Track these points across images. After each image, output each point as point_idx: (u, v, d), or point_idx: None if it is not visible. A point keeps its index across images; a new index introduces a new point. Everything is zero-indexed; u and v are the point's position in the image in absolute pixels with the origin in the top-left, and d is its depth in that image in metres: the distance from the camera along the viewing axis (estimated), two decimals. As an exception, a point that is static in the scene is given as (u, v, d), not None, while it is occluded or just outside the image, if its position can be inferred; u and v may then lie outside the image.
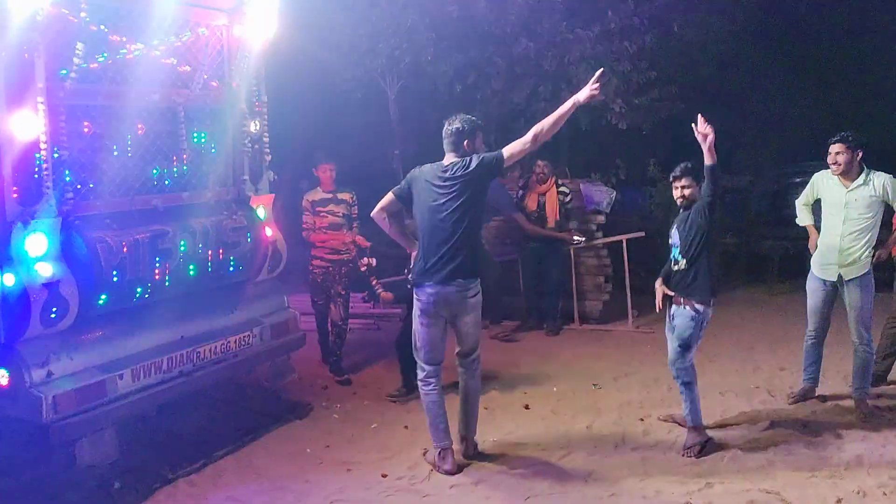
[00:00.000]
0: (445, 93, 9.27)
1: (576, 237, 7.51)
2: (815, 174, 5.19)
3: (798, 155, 10.07)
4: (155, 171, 4.53)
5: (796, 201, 5.41)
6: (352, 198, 6.15)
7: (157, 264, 4.32)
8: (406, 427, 5.02)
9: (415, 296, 4.36)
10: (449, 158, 4.32)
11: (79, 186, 4.08)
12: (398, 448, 4.70)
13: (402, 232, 4.53)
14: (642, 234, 7.83)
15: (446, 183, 4.24)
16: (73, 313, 3.93)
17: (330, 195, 6.10)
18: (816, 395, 5.32)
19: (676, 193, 4.61)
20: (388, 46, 8.82)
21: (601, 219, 8.06)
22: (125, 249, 4.10)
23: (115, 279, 4.09)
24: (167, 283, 4.42)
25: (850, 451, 4.46)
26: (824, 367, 5.36)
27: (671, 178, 4.65)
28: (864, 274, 4.93)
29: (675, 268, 4.62)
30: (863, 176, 4.90)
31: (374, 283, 6.20)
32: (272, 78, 5.35)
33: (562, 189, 7.44)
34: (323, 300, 6.20)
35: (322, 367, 6.31)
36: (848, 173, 4.91)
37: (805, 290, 5.29)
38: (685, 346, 4.50)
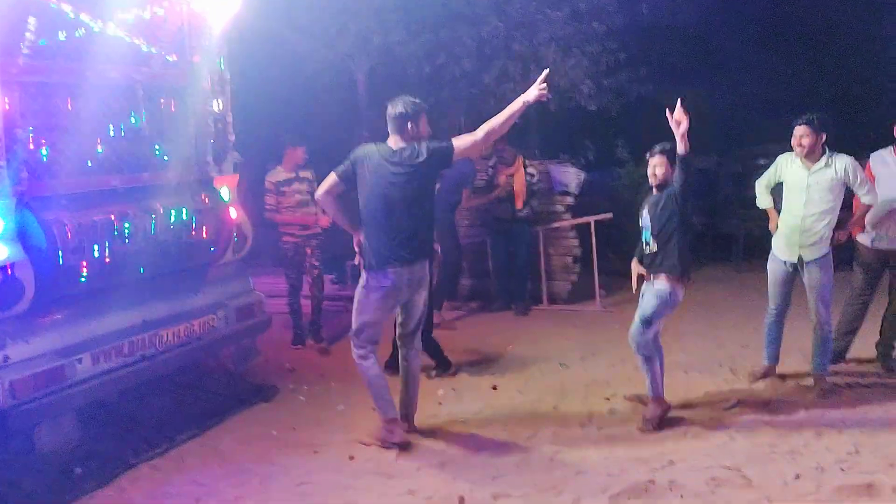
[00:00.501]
0: (415, 74, 9.20)
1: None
2: (780, 156, 5.22)
3: (763, 136, 10.18)
4: (113, 151, 4.43)
5: (757, 182, 5.46)
6: (312, 175, 6.19)
7: (117, 246, 4.24)
8: (374, 409, 4.99)
9: (370, 279, 4.31)
10: (394, 141, 4.29)
11: (34, 166, 3.97)
12: (365, 430, 4.68)
13: (346, 214, 4.51)
14: (610, 215, 7.86)
15: (397, 168, 4.23)
16: (29, 297, 3.84)
17: (293, 174, 6.15)
18: (778, 372, 5.42)
19: (649, 171, 4.61)
20: (357, 27, 8.72)
21: (570, 200, 8.08)
22: (83, 231, 4.02)
23: (72, 262, 4.00)
24: (127, 266, 4.34)
25: (809, 427, 4.54)
26: (785, 345, 5.45)
27: (647, 155, 4.65)
28: (824, 255, 5.00)
29: (647, 250, 4.64)
30: (825, 158, 4.94)
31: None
32: (236, 57, 5.27)
33: (529, 170, 7.49)
34: (296, 275, 6.32)
35: (290, 350, 6.28)
36: (811, 155, 4.95)
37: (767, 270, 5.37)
38: (647, 322, 4.54)
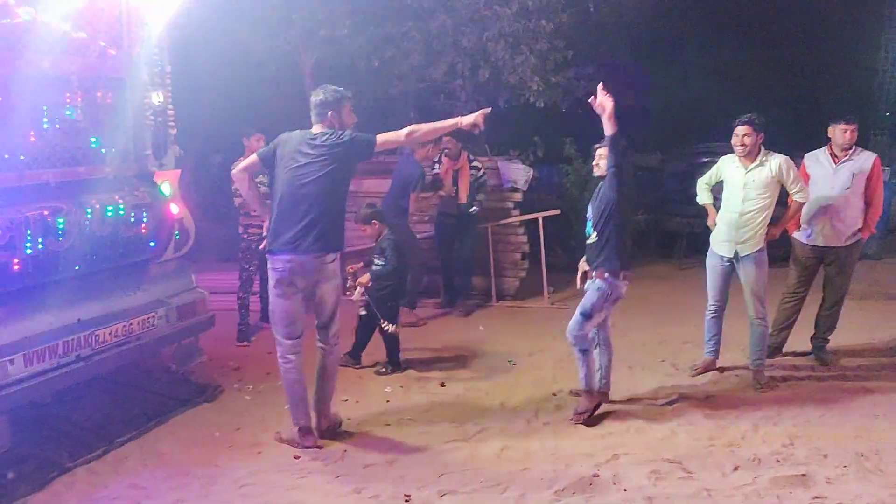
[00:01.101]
0: (363, 67, 9.12)
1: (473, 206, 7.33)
2: (723, 157, 5.35)
3: (707, 135, 10.43)
4: (47, 144, 4.25)
5: (699, 180, 5.59)
6: None
7: (51, 243, 4.09)
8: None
9: (270, 264, 4.26)
10: (317, 128, 4.26)
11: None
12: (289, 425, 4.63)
13: (259, 195, 4.59)
14: (558, 211, 7.95)
15: (314, 151, 4.18)
16: (-44, 296, 3.68)
17: None
18: (717, 367, 5.56)
19: (594, 162, 4.70)
20: (302, 18, 8.58)
21: (518, 196, 8.13)
22: (14, 228, 3.86)
23: (3, 259, 3.84)
24: (62, 263, 4.18)
25: (747, 420, 4.68)
26: (725, 339, 5.59)
27: (594, 147, 4.70)
28: (758, 250, 5.15)
29: (588, 241, 4.70)
30: (760, 157, 5.09)
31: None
32: (177, 48, 5.12)
33: (474, 164, 7.37)
34: (254, 267, 6.24)
35: (235, 348, 6.17)
36: (750, 154, 5.10)
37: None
38: (586, 315, 4.57)
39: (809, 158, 5.63)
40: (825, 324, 5.79)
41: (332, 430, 4.51)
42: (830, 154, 5.50)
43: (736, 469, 4.04)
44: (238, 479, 3.98)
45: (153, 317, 4.71)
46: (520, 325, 7.05)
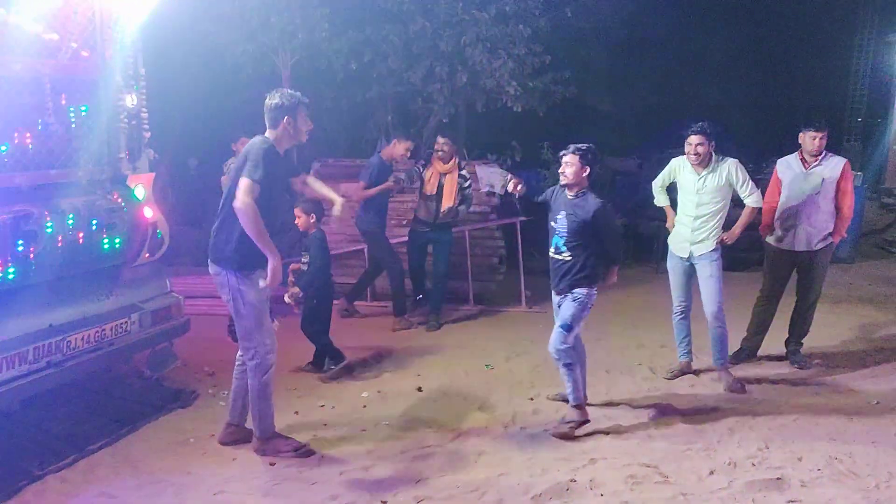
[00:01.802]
0: (341, 70, 9.09)
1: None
2: (673, 159, 5.50)
3: (682, 140, 10.52)
4: (17, 148, 4.18)
5: (653, 183, 5.74)
6: None
7: (21, 247, 4.01)
8: (296, 413, 4.92)
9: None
10: (270, 135, 4.12)
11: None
12: (287, 434, 4.59)
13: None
14: (534, 217, 7.96)
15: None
16: (-78, 301, 3.59)
17: None
18: (693, 369, 5.60)
19: (560, 169, 4.61)
20: (281, 21, 8.54)
21: (495, 201, 8.14)
22: (-17, 231, 3.78)
23: (-29, 264, 3.76)
24: (32, 268, 4.11)
25: (723, 424, 4.71)
26: (698, 342, 5.63)
27: (561, 153, 4.62)
28: (712, 250, 5.29)
29: (558, 257, 4.61)
30: (713, 163, 5.24)
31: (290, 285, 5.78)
32: (152, 50, 5.05)
33: (462, 173, 6.96)
34: None
35: (210, 353, 6.09)
36: (703, 162, 5.24)
37: None
38: (567, 327, 4.52)
39: (781, 164, 5.70)
40: (799, 328, 5.86)
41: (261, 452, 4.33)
42: (801, 159, 5.58)
43: (712, 473, 4.07)
44: (212, 487, 3.93)
45: (126, 322, 4.64)
46: (497, 329, 7.05)
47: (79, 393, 4.79)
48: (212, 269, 4.17)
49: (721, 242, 5.29)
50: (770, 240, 5.73)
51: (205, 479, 4.02)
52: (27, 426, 4.42)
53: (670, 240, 5.54)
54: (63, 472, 4.05)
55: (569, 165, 4.51)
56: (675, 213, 5.51)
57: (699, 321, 5.56)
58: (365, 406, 5.09)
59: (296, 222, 5.61)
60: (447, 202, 6.86)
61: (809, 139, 5.49)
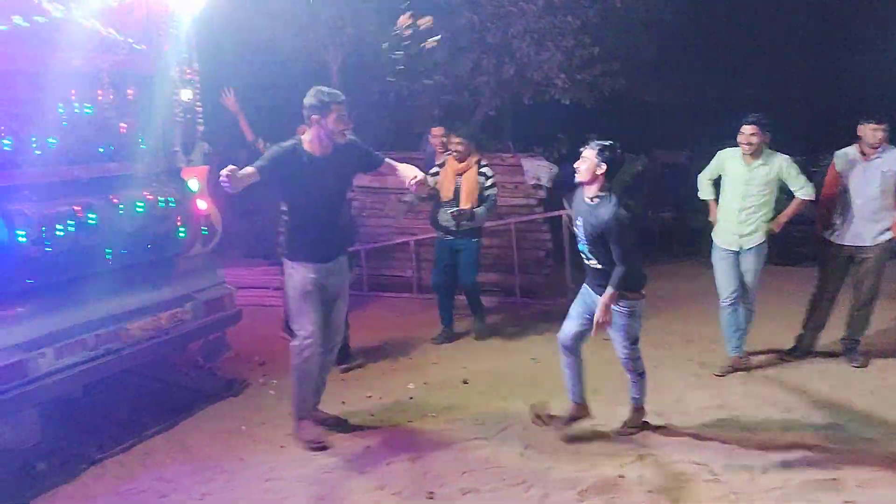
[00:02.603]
0: (388, 64, 9.12)
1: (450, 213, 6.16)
2: (720, 151, 5.52)
3: (735, 131, 10.31)
4: (78, 141, 4.31)
5: (699, 176, 5.72)
6: None
7: (82, 238, 4.14)
8: (343, 402, 4.98)
9: None
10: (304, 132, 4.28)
11: (-5, 156, 3.86)
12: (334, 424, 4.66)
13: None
14: (582, 209, 7.89)
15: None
16: (-11, 290, 3.74)
17: None
18: (744, 365, 5.49)
19: (575, 164, 4.17)
20: (330, 15, 8.60)
21: (542, 193, 8.09)
22: (46, 222, 3.92)
23: (34, 253, 3.90)
24: (93, 258, 4.24)
25: (776, 423, 4.60)
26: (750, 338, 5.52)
27: (580, 150, 4.26)
28: (759, 244, 5.34)
29: (588, 263, 4.29)
30: (764, 156, 5.26)
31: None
32: (206, 45, 5.16)
33: (483, 171, 6.23)
34: None
35: (260, 343, 6.21)
36: (755, 153, 5.26)
37: None
38: (633, 341, 4.31)
39: (839, 156, 5.54)
40: (856, 325, 5.68)
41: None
42: (860, 152, 5.41)
43: (764, 472, 3.98)
44: (262, 474, 4.02)
45: (181, 311, 4.76)
46: (543, 323, 7.00)
47: (136, 380, 4.93)
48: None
49: (769, 232, 5.35)
50: (826, 234, 5.58)
51: (255, 465, 4.11)
52: (88, 411, 4.57)
53: (715, 233, 5.55)
54: (121, 457, 4.20)
55: (584, 161, 4.08)
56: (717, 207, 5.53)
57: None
58: (411, 397, 5.13)
59: None
60: (464, 205, 6.14)
61: (870, 131, 5.33)
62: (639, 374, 4.41)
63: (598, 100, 9.56)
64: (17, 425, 3.87)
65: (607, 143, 4.09)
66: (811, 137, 10.16)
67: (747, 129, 5.21)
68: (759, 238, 5.32)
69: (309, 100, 4.15)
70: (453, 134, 6.31)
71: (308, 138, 4.22)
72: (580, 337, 4.43)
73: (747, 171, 5.28)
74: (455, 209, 6.11)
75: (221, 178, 3.76)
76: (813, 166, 9.83)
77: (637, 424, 4.49)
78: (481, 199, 6.17)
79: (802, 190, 5.30)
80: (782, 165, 5.25)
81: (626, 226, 4.02)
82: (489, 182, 6.23)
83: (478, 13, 8.75)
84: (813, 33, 11.88)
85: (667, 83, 11.49)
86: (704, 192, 5.68)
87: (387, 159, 4.52)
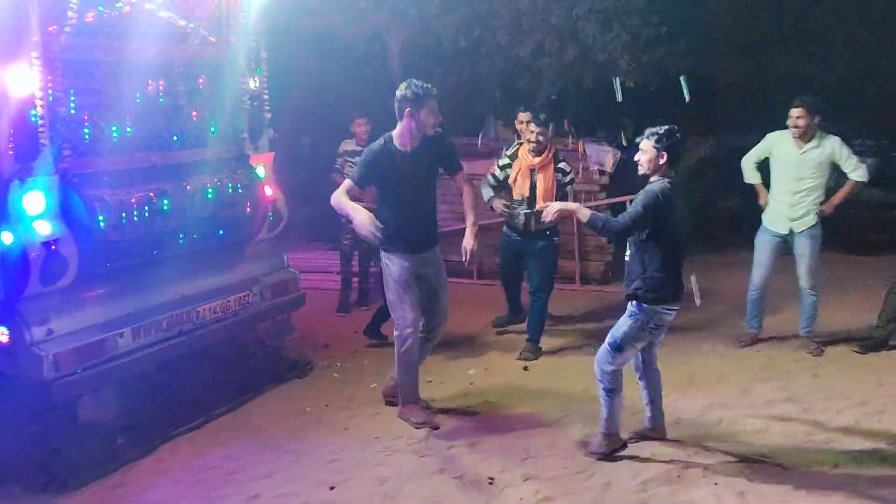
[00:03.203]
0: (450, 47, 9.10)
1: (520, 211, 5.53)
2: (769, 134, 5.49)
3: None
4: (153, 129, 4.47)
5: (744, 159, 5.69)
6: None
7: (156, 223, 4.30)
8: (380, 387, 5.04)
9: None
10: (396, 126, 4.30)
11: (76, 144, 4.03)
12: (397, 408, 4.73)
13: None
14: (646, 194, 7.74)
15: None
16: (72, 272, 3.92)
17: (360, 147, 6.20)
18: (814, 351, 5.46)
19: (636, 157, 3.93)
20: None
21: (605, 179, 7.98)
22: (123, 208, 4.08)
23: (113, 238, 4.07)
24: (167, 242, 4.40)
25: (847, 416, 4.46)
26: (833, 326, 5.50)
27: (636, 141, 4.08)
28: (813, 226, 5.31)
29: (626, 253, 4.01)
30: (816, 139, 5.24)
31: None
32: (271, 33, 5.25)
33: (561, 167, 5.51)
34: (350, 241, 6.45)
35: (325, 325, 6.33)
36: (804, 135, 5.22)
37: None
38: (615, 346, 3.84)
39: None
40: (935, 317, 5.45)
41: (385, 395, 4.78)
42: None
43: (835, 466, 3.88)
44: (326, 455, 4.12)
45: (249, 294, 4.90)
46: (604, 309, 6.93)
47: (206, 360, 5.10)
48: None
49: (821, 214, 5.31)
50: (909, 222, 5.37)
51: (319, 446, 4.22)
52: (161, 390, 4.76)
53: (765, 216, 5.52)
54: (192, 434, 4.37)
55: (643, 153, 3.82)
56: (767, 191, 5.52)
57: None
58: (472, 383, 5.16)
59: None
60: (540, 205, 5.11)
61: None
62: (605, 390, 3.92)
63: (663, 82, 9.33)
64: (98, 401, 4.08)
65: (663, 129, 3.78)
66: (892, 119, 9.71)
67: (795, 112, 5.20)
68: (811, 220, 5.28)
69: (402, 92, 4.18)
70: (532, 122, 5.43)
71: (398, 132, 4.27)
72: (644, 352, 4.06)
73: (798, 154, 5.25)
74: (528, 210, 5.41)
75: (372, 234, 4.02)
76: (893, 150, 9.43)
77: (600, 452, 3.98)
78: (559, 198, 5.34)
79: (856, 172, 5.26)
80: (835, 147, 5.22)
81: (650, 199, 3.69)
82: (568, 178, 5.55)
83: (542, -6, 8.62)
84: (893, 9, 11.26)
85: (740, 62, 11.09)
86: (750, 175, 5.63)
87: (464, 186, 4.58)
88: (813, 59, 10.53)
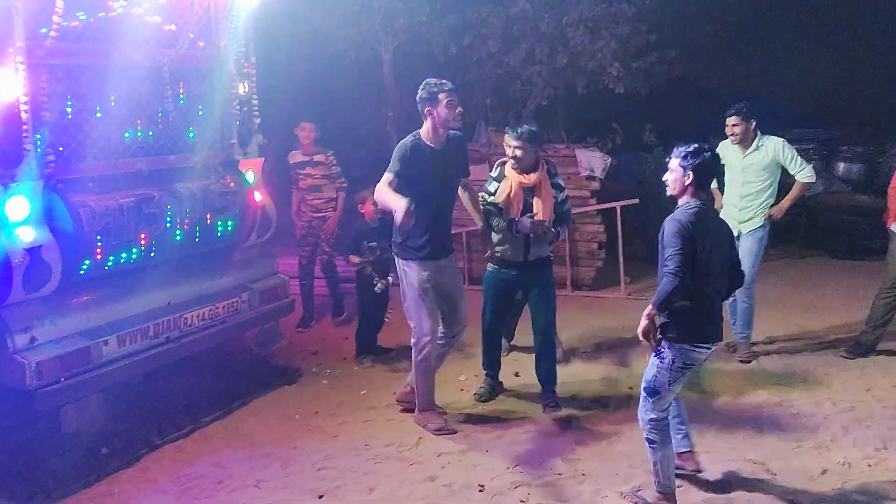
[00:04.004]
0: (441, 54, 9.11)
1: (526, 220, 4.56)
2: (721, 143, 5.49)
3: (795, 121, 9.97)
4: (140, 134, 4.43)
5: None
6: (327, 157, 6.19)
7: (143, 229, 4.26)
8: (394, 393, 5.01)
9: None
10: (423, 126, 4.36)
11: (61, 149, 3.99)
12: (386, 414, 4.70)
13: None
14: (636, 200, 7.76)
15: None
16: (56, 279, 3.87)
17: (307, 158, 6.18)
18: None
19: (663, 178, 3.62)
20: (382, 6, 8.63)
21: (595, 185, 7.98)
22: (109, 214, 4.04)
23: (98, 244, 4.03)
24: (153, 248, 4.36)
25: (837, 422, 4.46)
26: (821, 338, 5.37)
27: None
28: (758, 228, 5.39)
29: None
30: (755, 142, 5.35)
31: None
32: (261, 38, 5.23)
33: (556, 182, 4.73)
34: (308, 256, 6.36)
35: (313, 332, 6.30)
36: (744, 141, 5.34)
37: None
38: (648, 391, 3.52)
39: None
40: (924, 322, 5.47)
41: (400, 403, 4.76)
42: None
43: (824, 472, 3.87)
44: (316, 462, 4.09)
45: (237, 301, 4.86)
46: (595, 315, 6.93)
47: (194, 367, 5.05)
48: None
49: (770, 218, 5.39)
50: (895, 227, 5.36)
51: (309, 454, 4.18)
52: (147, 397, 4.70)
53: None
54: (179, 442, 4.32)
55: (670, 172, 3.52)
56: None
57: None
58: (462, 389, 5.13)
59: (361, 209, 5.60)
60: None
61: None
62: (647, 440, 3.54)
63: (652, 89, 9.36)
64: (82, 410, 4.02)
65: (691, 147, 3.46)
66: (879, 125, 9.78)
67: (730, 121, 5.33)
68: (756, 223, 5.36)
69: (419, 94, 4.29)
70: (508, 134, 4.64)
71: (424, 130, 4.33)
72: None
73: (741, 159, 5.36)
74: (529, 218, 4.56)
75: (405, 223, 3.93)
76: (880, 156, 9.49)
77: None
78: (558, 217, 4.71)
79: (801, 172, 5.36)
80: (776, 148, 5.30)
81: (678, 229, 3.33)
82: (563, 194, 4.78)
83: (531, 2, 8.65)
84: (884, 17, 11.37)
85: (726, 70, 11.16)
86: None
87: (468, 191, 4.66)
88: (801, 66, 10.61)
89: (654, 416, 3.50)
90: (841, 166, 9.77)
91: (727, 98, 5.36)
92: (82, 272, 4.02)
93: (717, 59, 10.66)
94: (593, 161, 7.93)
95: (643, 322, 3.45)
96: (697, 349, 3.45)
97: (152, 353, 4.28)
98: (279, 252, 5.80)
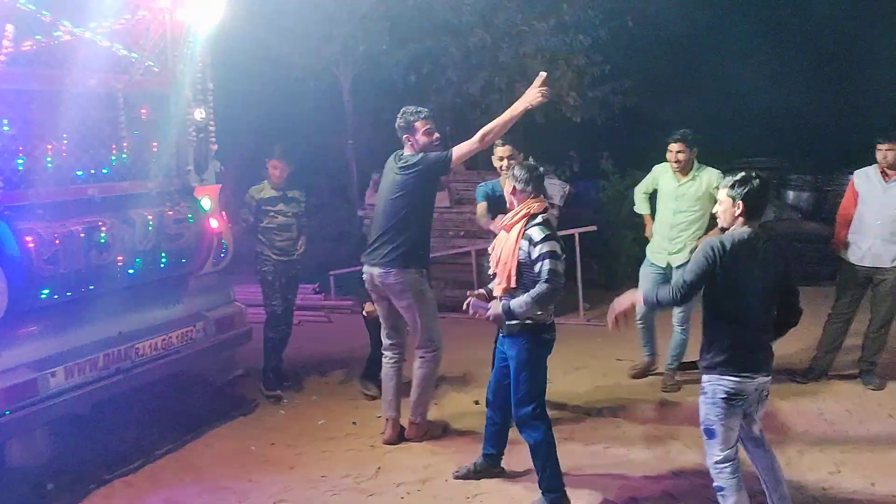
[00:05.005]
0: (401, 82, 9.18)
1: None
2: (656, 166, 5.55)
3: (754, 149, 10.28)
4: (91, 160, 4.34)
5: (635, 189, 5.80)
6: (300, 194, 5.65)
7: (93, 257, 4.15)
8: (354, 423, 4.95)
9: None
10: (406, 150, 4.48)
11: (9, 175, 3.88)
12: (345, 445, 4.63)
13: None
14: (594, 227, 7.85)
15: (398, 173, 4.42)
16: (1, 308, 3.74)
17: (279, 193, 5.51)
18: (655, 370, 5.72)
19: (714, 210, 3.52)
20: (342, 34, 8.69)
21: (555, 212, 8.05)
22: (58, 242, 3.93)
23: (47, 273, 3.91)
24: (104, 277, 4.25)
25: (792, 446, 4.53)
26: (787, 363, 5.51)
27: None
28: (687, 261, 5.14)
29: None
30: (693, 172, 5.29)
31: None
32: (219, 64, 5.19)
33: (531, 231, 4.23)
34: (281, 303, 5.57)
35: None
36: (683, 169, 5.28)
37: None
38: (704, 431, 3.37)
39: (859, 176, 5.48)
40: (873, 346, 5.59)
41: (418, 437, 4.67)
42: (881, 172, 5.35)
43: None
44: (272, 495, 3.99)
45: (192, 330, 4.76)
46: (556, 342, 6.93)
47: (146, 399, 4.91)
48: (390, 273, 4.38)
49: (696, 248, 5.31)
50: (844, 255, 5.51)
51: (266, 486, 4.08)
52: (96, 431, 4.56)
53: (649, 248, 5.59)
54: (130, 477, 4.18)
55: (719, 203, 3.40)
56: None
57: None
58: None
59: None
60: (499, 285, 3.95)
61: (881, 153, 5.28)
62: (715, 487, 3.36)
63: (609, 117, 9.55)
64: (27, 444, 3.87)
65: (739, 175, 3.30)
66: (826, 155, 10.09)
67: (674, 147, 5.25)
68: (685, 256, 5.21)
69: (398, 122, 4.44)
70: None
71: (408, 154, 4.45)
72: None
73: (677, 188, 5.31)
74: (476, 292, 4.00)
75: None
76: (828, 185, 9.79)
77: None
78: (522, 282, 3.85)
79: None
80: (711, 181, 5.19)
81: (705, 252, 3.24)
82: (539, 250, 3.76)
83: (490, 33, 8.79)
84: (828, 50, 11.81)
85: (680, 100, 11.45)
86: (640, 205, 5.73)
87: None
88: (752, 97, 10.93)
89: (717, 458, 3.32)
90: (791, 195, 10.07)
91: (678, 126, 5.38)
92: (30, 302, 3.89)
93: (670, 88, 10.92)
94: (552, 189, 8.01)
95: (619, 306, 3.49)
96: (736, 379, 3.28)
97: (102, 384, 4.14)
98: (236, 280, 5.69)
